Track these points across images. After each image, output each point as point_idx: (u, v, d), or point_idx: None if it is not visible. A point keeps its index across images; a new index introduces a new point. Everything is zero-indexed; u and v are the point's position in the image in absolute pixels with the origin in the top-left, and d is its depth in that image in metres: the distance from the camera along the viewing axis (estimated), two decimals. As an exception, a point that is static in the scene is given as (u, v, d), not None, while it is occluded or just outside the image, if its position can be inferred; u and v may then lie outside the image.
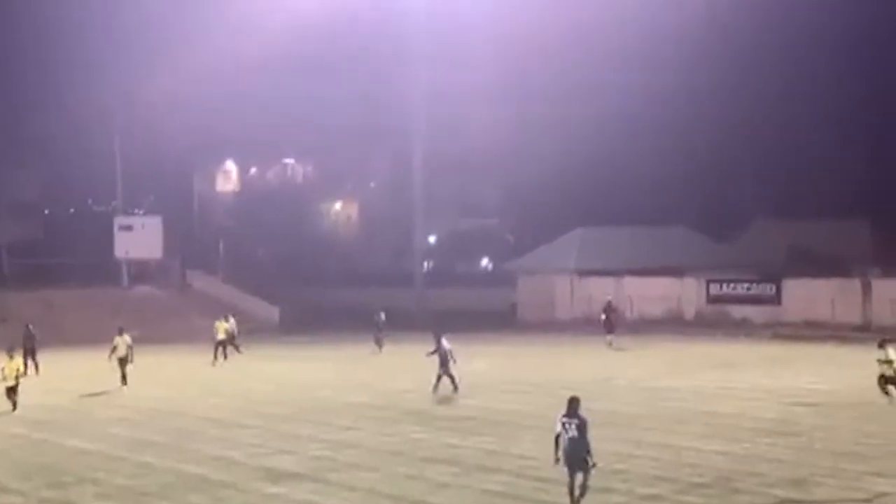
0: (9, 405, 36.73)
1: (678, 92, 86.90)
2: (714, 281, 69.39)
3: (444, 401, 38.01)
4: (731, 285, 68.87)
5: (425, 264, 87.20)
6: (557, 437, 21.34)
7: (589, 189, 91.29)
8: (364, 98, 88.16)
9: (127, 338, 42.77)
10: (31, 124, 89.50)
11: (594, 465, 21.30)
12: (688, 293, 70.10)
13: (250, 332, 66.76)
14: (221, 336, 52.33)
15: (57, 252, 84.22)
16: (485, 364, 49.48)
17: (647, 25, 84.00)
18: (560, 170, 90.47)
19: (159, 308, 73.90)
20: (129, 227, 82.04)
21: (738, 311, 67.12)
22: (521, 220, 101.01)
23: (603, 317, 57.42)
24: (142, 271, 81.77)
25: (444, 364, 38.97)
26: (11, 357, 37.40)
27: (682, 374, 44.23)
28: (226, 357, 51.76)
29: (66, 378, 45.74)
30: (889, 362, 33.86)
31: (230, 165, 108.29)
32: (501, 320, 71.75)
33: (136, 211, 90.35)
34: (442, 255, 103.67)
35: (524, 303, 76.18)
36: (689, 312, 69.34)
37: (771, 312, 65.28)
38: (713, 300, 68.86)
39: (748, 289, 67.90)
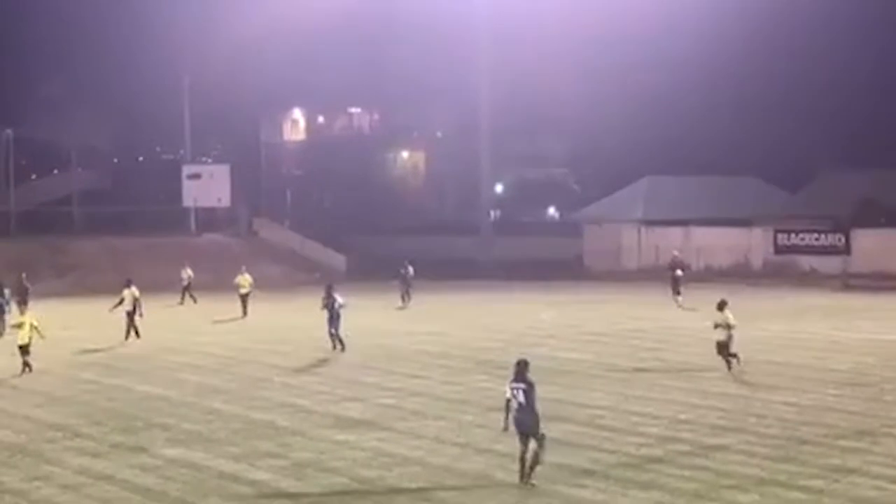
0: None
1: (746, 41, 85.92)
2: (782, 231, 68.87)
3: (512, 351, 38.00)
4: (800, 235, 68.31)
5: (492, 213, 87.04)
6: (508, 403, 20.15)
7: (656, 138, 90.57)
8: (430, 47, 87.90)
9: (135, 290, 42.20)
10: (101, 74, 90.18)
11: (543, 435, 20.05)
12: (756, 244, 69.67)
13: (316, 281, 67.13)
14: (245, 290, 51.16)
15: (125, 200, 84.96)
16: (552, 313, 49.51)
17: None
18: (628, 119, 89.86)
19: (226, 256, 74.28)
20: (197, 176, 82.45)
21: (806, 262, 66.62)
22: (588, 170, 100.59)
23: (676, 272, 55.24)
24: (209, 219, 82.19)
25: (332, 320, 37.64)
26: (22, 312, 36.68)
27: (749, 325, 43.93)
28: (245, 313, 50.25)
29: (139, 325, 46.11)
30: (728, 326, 31.81)
31: (297, 114, 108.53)
32: (567, 270, 71.60)
33: (204, 159, 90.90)
34: (509, 205, 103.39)
35: (591, 252, 75.97)
36: (757, 263, 68.93)
37: (840, 263, 64.68)
38: (781, 250, 68.37)
39: (817, 239, 67.34)
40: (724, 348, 31.83)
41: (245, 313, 50.06)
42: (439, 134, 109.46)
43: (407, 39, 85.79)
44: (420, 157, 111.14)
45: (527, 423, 19.89)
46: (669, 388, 30.15)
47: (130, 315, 41.46)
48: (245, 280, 51.49)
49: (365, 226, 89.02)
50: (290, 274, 71.94)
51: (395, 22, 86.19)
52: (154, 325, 45.01)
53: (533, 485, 19.71)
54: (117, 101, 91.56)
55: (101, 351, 38.72)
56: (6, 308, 43.87)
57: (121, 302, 41.77)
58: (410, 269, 54.34)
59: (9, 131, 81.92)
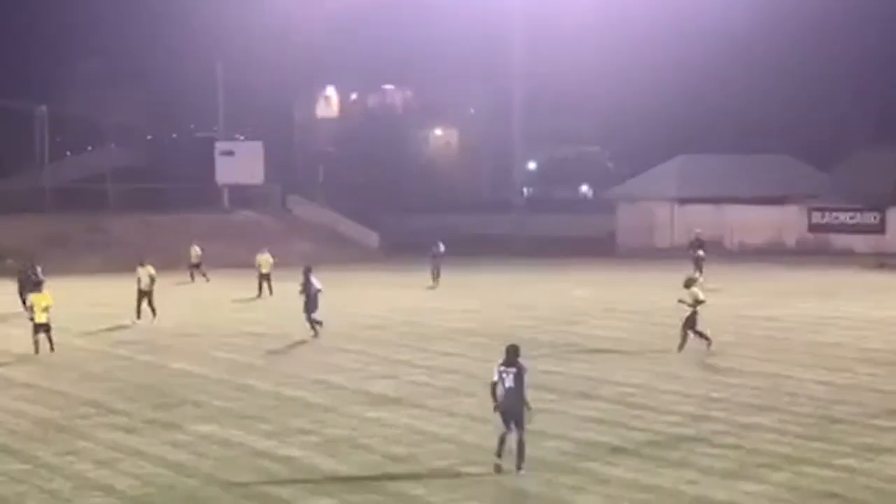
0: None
1: (781, 18, 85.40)
2: (816, 209, 68.57)
3: (546, 329, 38.00)
4: (834, 214, 67.99)
5: (525, 191, 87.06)
6: (494, 386, 19.61)
7: (690, 116, 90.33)
8: (464, 24, 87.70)
9: (150, 269, 42.11)
10: (135, 52, 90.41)
11: (530, 418, 19.54)
12: (789, 222, 69.37)
13: (350, 258, 67.37)
14: (266, 270, 49.68)
15: (159, 177, 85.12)
16: (585, 291, 49.44)
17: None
18: (661, 97, 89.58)
19: (259, 233, 74.43)
20: (230, 153, 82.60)
21: (840, 241, 66.29)
22: (621, 148, 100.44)
23: (698, 252, 54.72)
24: (242, 196, 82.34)
25: (309, 305, 36.28)
26: (39, 289, 35.20)
27: (783, 303, 43.83)
28: (271, 292, 48.65)
29: (168, 303, 46.23)
30: (696, 303, 31.23)
31: (330, 91, 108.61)
32: (600, 247, 71.44)
33: (238, 136, 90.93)
34: (542, 182, 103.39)
35: (624, 230, 75.79)
36: (791, 241, 68.62)
37: (875, 242, 64.35)
38: (815, 229, 68.07)
39: (851, 217, 67.01)
40: (689, 323, 31.46)
41: (261, 293, 48.80)
42: (472, 111, 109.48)
43: (440, 16, 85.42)
44: (453, 134, 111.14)
45: (513, 407, 19.42)
46: (702, 367, 30.11)
47: (144, 294, 40.75)
48: (265, 260, 50.12)
49: (398, 203, 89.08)
50: (321, 251, 72.03)
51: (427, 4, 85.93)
52: (184, 303, 45.28)
53: (523, 474, 19.36)
54: (152, 79, 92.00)
55: (135, 328, 38.83)
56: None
57: (138, 282, 40.89)
58: (441, 247, 53.98)
59: (43, 108, 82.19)
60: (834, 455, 20.53)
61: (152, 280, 40.49)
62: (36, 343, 32.95)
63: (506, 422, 19.41)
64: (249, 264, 52.10)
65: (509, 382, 19.29)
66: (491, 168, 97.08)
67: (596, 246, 71.62)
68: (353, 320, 39.87)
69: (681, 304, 31.73)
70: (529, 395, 19.67)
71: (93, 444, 22.26)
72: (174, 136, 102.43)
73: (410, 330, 37.82)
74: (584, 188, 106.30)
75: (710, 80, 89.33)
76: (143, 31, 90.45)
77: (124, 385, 28.55)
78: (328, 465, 20.44)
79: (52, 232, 64.95)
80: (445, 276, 52.63)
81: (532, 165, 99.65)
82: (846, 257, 62.74)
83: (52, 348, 33.02)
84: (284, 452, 21.22)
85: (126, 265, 55.33)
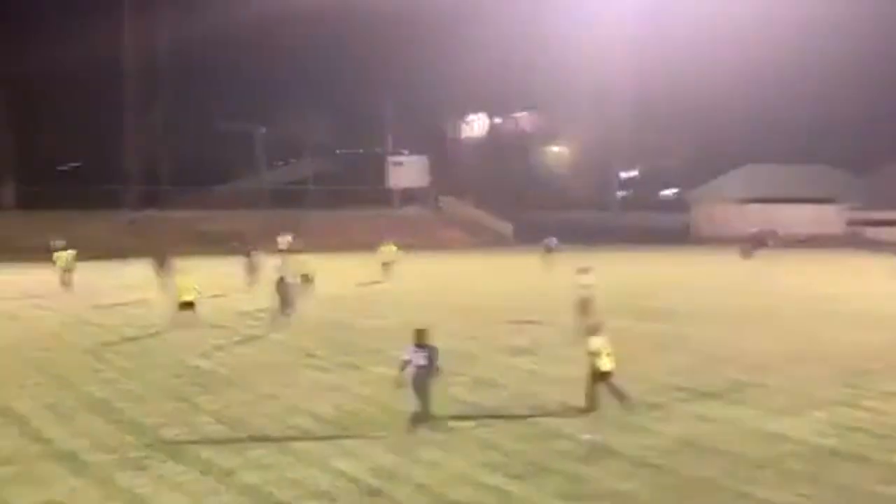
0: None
1: (833, 50, 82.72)
2: (853, 209, 67.07)
3: (650, 296, 37.71)
4: (868, 212, 66.44)
5: (622, 193, 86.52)
6: (404, 364, 17.81)
7: (754, 132, 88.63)
8: (580, 59, 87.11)
9: (393, 246, 42.23)
10: (328, 85, 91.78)
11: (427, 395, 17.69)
12: (831, 219, 67.93)
13: (485, 243, 67.56)
14: (389, 259, 46.56)
15: (346, 182, 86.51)
16: (662, 269, 48.98)
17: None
18: (733, 117, 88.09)
19: (420, 225, 75.26)
20: (399, 164, 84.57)
21: (873, 233, 64.76)
22: (699, 157, 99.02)
23: (754, 248, 53.46)
24: (407, 197, 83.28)
25: (284, 298, 31.75)
26: (182, 274, 33.77)
27: (824, 281, 42.94)
28: (388, 279, 44.98)
29: (352, 274, 46.83)
30: (587, 287, 28.78)
31: (476, 116, 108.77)
32: (678, 237, 70.74)
33: (404, 151, 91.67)
34: (638, 186, 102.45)
35: (698, 224, 74.99)
36: (832, 233, 67.22)
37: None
38: (852, 223, 66.61)
39: (883, 214, 65.40)
40: (585, 306, 29.11)
41: (386, 278, 45.25)
42: (583, 131, 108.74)
43: (559, 56, 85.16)
44: (568, 149, 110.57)
45: (425, 382, 17.72)
46: (762, 327, 29.69)
47: (386, 266, 43.49)
48: (389, 249, 47.08)
49: (527, 202, 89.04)
50: (466, 238, 72.61)
51: (552, 42, 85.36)
52: (368, 276, 45.74)
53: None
54: (341, 106, 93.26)
55: (332, 295, 39.40)
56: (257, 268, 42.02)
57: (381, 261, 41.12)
58: (553, 241, 52.75)
59: (263, 129, 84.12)
60: (863, 398, 20.16)
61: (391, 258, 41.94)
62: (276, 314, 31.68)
63: (418, 393, 17.71)
64: (411, 249, 52.09)
65: (421, 361, 17.58)
66: (596, 175, 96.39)
67: (675, 236, 70.92)
68: (484, 288, 39.86)
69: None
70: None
71: (300, 379, 22.71)
72: (359, 150, 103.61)
73: (540, 298, 37.75)
74: (670, 191, 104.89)
75: (771, 99, 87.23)
76: (336, 68, 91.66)
77: (321, 337, 28.97)
78: (474, 398, 20.56)
79: (267, 223, 66.21)
80: (560, 262, 52.21)
81: (630, 173, 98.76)
82: (878, 247, 61.11)
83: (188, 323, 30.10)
84: (443, 389, 21.38)
85: (321, 248, 56.40)
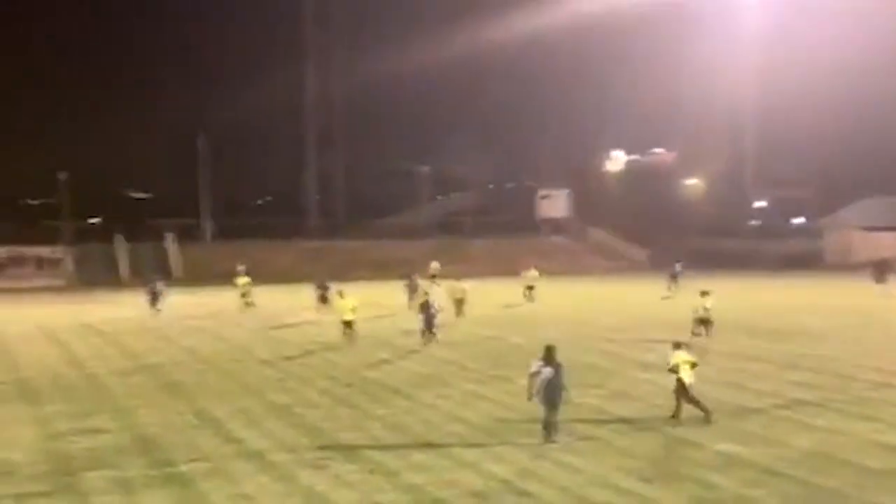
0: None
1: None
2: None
3: (764, 317, 36.74)
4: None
5: (753, 221, 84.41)
6: (532, 377, 17.57)
7: (876, 167, 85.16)
8: (710, 99, 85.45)
9: (534, 271, 43.41)
10: (480, 128, 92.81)
11: (557, 407, 17.48)
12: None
13: (623, 269, 66.83)
14: (530, 283, 45.88)
15: (499, 213, 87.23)
16: (795, 293, 47.53)
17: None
18: (856, 154, 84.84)
19: (565, 252, 75.07)
20: (547, 196, 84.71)
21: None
22: (827, 188, 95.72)
23: (876, 271, 51.05)
24: (554, 226, 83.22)
25: (427, 319, 31.17)
26: (342, 296, 32.84)
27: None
28: (533, 299, 44.48)
29: (501, 296, 46.82)
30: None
31: (617, 153, 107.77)
32: (809, 263, 68.52)
33: (551, 185, 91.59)
34: (768, 214, 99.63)
35: (827, 250, 72.62)
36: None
37: None
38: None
39: None
40: (703, 325, 30.23)
41: (529, 299, 44.85)
42: (715, 164, 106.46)
43: (694, 92, 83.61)
44: (702, 180, 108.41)
45: (553, 394, 17.45)
46: (891, 346, 28.59)
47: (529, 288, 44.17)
48: (531, 274, 46.40)
49: (663, 230, 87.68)
50: (606, 264, 72.10)
51: (686, 81, 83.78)
52: (515, 299, 45.68)
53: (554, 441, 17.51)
54: (493, 147, 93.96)
55: (484, 315, 39.58)
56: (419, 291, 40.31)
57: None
58: (678, 267, 50.61)
59: (426, 167, 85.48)
60: None
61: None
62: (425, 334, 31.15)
63: (549, 407, 17.48)
64: (559, 273, 51.94)
65: (547, 375, 17.31)
66: (729, 204, 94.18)
67: (806, 261, 68.74)
68: (631, 311, 39.37)
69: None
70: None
71: (454, 391, 22.94)
72: (510, 184, 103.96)
73: (665, 319, 37.10)
74: (798, 219, 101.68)
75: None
76: (489, 114, 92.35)
77: (473, 352, 29.18)
78: (612, 408, 20.42)
79: (429, 250, 67.00)
80: (685, 285, 50.54)
81: (762, 203, 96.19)
82: None
83: (347, 337, 30.95)
84: (579, 400, 21.21)
85: (480, 273, 56.73)
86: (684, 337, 30.29)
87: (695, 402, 18.86)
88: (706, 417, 18.66)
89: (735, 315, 37.06)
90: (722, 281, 55.79)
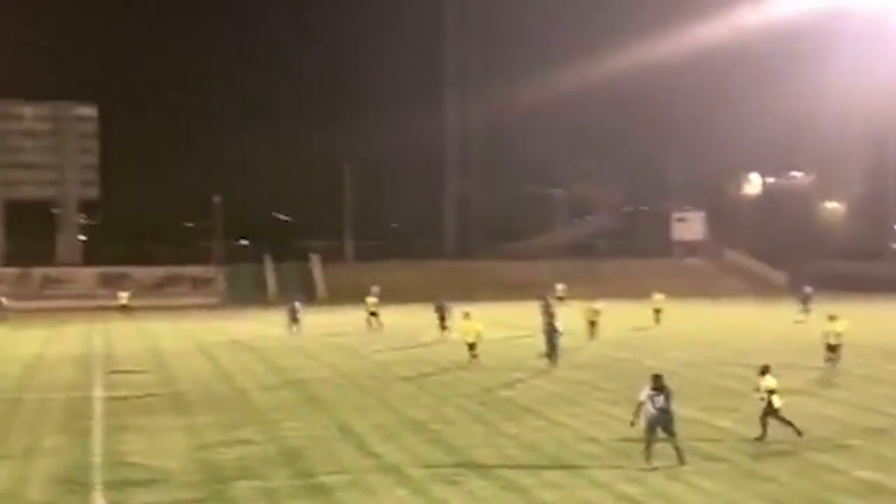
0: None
1: None
2: None
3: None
4: None
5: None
6: (640, 405, 17.21)
7: None
8: (850, 117, 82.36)
9: (662, 295, 43.68)
10: (615, 153, 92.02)
11: (674, 433, 17.14)
12: None
13: (758, 292, 65.07)
14: (657, 306, 44.97)
15: (632, 235, 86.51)
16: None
17: None
18: None
19: (699, 274, 73.73)
20: (682, 219, 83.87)
21: None
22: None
23: None
24: (688, 249, 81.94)
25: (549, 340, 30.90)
26: (468, 317, 32.28)
27: None
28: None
29: (632, 319, 45.81)
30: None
31: (753, 177, 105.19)
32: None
33: (686, 208, 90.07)
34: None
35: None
36: None
37: None
38: None
39: None
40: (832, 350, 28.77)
41: (656, 324, 44.14)
42: (855, 186, 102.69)
43: (831, 115, 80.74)
44: (841, 203, 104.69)
45: (665, 422, 17.13)
46: None
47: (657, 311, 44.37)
48: (658, 298, 45.69)
49: (801, 253, 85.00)
50: (741, 287, 70.36)
51: (822, 103, 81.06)
52: (645, 321, 44.85)
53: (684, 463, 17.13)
54: (629, 169, 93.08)
55: (616, 337, 39.06)
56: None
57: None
58: (808, 289, 48.64)
59: (560, 191, 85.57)
60: None
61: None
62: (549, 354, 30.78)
63: (659, 432, 17.20)
64: (692, 295, 50.75)
65: (661, 404, 17.01)
66: (870, 227, 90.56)
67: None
68: (761, 333, 38.25)
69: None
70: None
71: (586, 410, 22.79)
72: (644, 207, 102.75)
73: (791, 341, 35.61)
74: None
75: None
76: (622, 135, 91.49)
77: (608, 372, 28.93)
78: (747, 432, 19.82)
79: (562, 271, 66.69)
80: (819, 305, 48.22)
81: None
82: None
83: (473, 360, 30.64)
84: (717, 423, 20.96)
85: (615, 294, 56.01)
86: (818, 362, 29.37)
87: (787, 422, 18.93)
88: (795, 431, 18.82)
89: (875, 339, 35.60)
90: (862, 305, 53.71)
